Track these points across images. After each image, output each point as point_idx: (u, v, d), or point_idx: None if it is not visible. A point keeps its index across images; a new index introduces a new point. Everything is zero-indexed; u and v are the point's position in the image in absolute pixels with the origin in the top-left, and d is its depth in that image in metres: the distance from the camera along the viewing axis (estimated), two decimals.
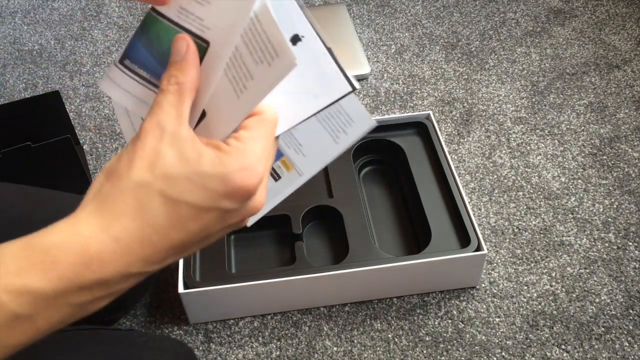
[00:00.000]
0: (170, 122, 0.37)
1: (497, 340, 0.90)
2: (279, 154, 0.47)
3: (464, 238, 0.93)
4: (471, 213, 0.94)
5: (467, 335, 0.91)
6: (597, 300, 0.95)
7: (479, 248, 0.91)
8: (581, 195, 1.10)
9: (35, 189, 0.79)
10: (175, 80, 0.38)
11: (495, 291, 0.96)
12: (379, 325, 0.93)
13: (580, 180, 1.13)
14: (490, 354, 0.89)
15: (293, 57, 0.36)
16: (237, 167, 0.37)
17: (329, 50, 0.41)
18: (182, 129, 0.37)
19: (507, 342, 0.90)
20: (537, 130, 1.22)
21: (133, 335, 0.72)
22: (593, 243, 1.03)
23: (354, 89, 0.41)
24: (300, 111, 0.42)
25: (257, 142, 0.39)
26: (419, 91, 1.32)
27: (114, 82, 0.44)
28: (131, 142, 0.38)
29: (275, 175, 0.48)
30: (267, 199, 0.42)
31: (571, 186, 1.12)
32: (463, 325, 0.92)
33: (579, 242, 1.03)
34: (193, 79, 0.39)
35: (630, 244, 1.02)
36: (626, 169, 1.14)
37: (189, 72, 0.39)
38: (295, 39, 0.41)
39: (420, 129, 1.10)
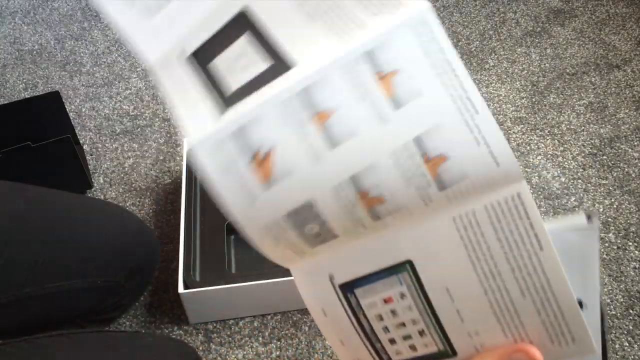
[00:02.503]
0: None
1: None
2: None
3: None
4: None
5: None
6: None
7: None
8: (581, 195, 1.10)
9: (33, 186, 0.79)
10: None
11: None
12: None
13: (580, 180, 1.13)
14: None
15: (593, 347, 0.33)
16: None
17: (603, 321, 0.37)
18: None
19: None
20: (537, 130, 1.22)
21: (138, 337, 0.72)
22: None
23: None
24: None
25: None
26: None
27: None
28: None
29: None
30: None
31: (571, 186, 1.12)
32: None
33: None
34: None
35: (630, 244, 1.02)
36: (626, 169, 1.14)
37: None
38: (579, 305, 0.36)
39: None
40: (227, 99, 0.30)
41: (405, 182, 0.30)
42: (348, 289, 0.34)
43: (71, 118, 1.15)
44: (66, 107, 1.11)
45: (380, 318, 0.34)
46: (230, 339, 0.93)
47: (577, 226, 0.36)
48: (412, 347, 0.34)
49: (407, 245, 0.32)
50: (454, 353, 0.34)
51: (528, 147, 1.19)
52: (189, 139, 0.30)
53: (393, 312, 0.33)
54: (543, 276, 0.31)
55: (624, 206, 1.08)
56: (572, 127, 1.23)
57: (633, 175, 1.13)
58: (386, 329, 0.34)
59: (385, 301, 0.33)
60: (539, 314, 0.32)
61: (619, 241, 1.03)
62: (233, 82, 0.30)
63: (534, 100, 1.29)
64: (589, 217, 0.36)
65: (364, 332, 0.35)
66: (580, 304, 0.37)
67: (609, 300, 0.95)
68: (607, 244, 1.02)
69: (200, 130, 0.30)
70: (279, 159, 0.29)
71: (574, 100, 1.28)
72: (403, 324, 0.34)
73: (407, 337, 0.34)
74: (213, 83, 0.30)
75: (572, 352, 0.33)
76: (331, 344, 0.36)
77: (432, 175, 0.30)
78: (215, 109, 0.30)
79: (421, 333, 0.34)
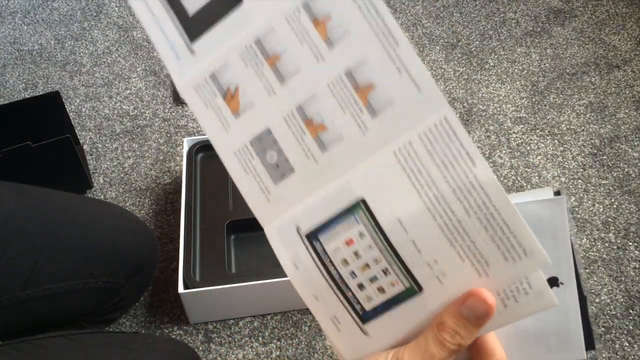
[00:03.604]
0: None
1: None
2: None
3: None
4: None
5: None
6: (597, 300, 0.95)
7: None
8: (581, 195, 1.10)
9: (33, 187, 0.79)
10: (459, 341, 0.35)
11: None
12: None
13: (580, 180, 1.13)
14: None
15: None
16: None
17: (583, 304, 0.38)
18: None
19: None
20: (537, 130, 1.22)
21: (138, 338, 0.72)
22: (593, 243, 1.03)
23: (592, 348, 0.38)
24: (524, 357, 0.39)
25: None
26: None
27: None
28: None
29: None
30: None
31: (571, 186, 1.12)
32: None
33: (579, 242, 1.03)
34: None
35: (630, 244, 1.02)
36: (626, 169, 1.14)
37: (474, 337, 0.35)
38: (553, 282, 0.38)
39: None
40: (190, 32, 0.37)
41: (341, 110, 0.35)
42: (313, 236, 0.37)
43: (71, 118, 1.15)
44: (66, 107, 1.11)
45: (346, 262, 0.37)
46: (230, 339, 0.93)
47: (544, 199, 0.37)
48: (380, 290, 0.36)
49: (358, 184, 0.36)
50: (420, 288, 0.36)
51: (528, 147, 1.19)
52: (177, 84, 0.38)
53: (356, 254, 0.36)
54: (481, 191, 0.34)
55: (624, 206, 1.08)
56: (572, 127, 1.23)
57: (633, 175, 1.13)
58: (353, 274, 0.37)
59: (347, 243, 0.37)
60: (486, 230, 0.34)
61: (619, 241, 1.03)
62: (190, 5, 0.37)
63: (534, 100, 1.29)
64: (557, 192, 0.37)
65: (333, 281, 0.37)
66: (556, 281, 0.38)
67: (608, 301, 0.95)
68: (607, 244, 1.02)
69: (183, 76, 0.37)
70: (244, 94, 0.37)
71: (574, 100, 1.28)
72: (367, 265, 0.36)
73: (373, 279, 0.36)
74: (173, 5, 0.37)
75: (529, 267, 0.34)
76: (307, 303, 0.38)
77: (363, 102, 0.35)
78: (185, 46, 0.37)
79: (385, 272, 0.36)
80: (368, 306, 0.37)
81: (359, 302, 0.37)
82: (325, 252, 0.37)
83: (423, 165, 0.34)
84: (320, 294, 0.38)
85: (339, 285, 0.37)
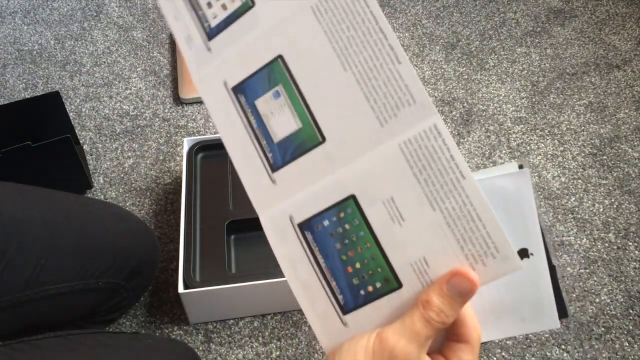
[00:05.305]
0: (421, 357, 0.36)
1: (497, 340, 0.90)
2: None
3: None
4: None
5: None
6: (597, 300, 0.95)
7: None
8: (581, 195, 1.10)
9: (33, 187, 0.79)
10: (444, 319, 0.36)
11: None
12: None
13: (580, 180, 1.13)
14: (490, 354, 0.89)
15: (520, 263, 0.35)
16: None
17: (553, 273, 0.40)
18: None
19: (507, 342, 0.90)
20: (537, 130, 1.22)
21: (138, 338, 0.72)
22: (593, 243, 1.03)
23: (565, 316, 0.40)
24: (500, 329, 0.40)
25: None
26: None
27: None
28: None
29: None
30: None
31: (571, 186, 1.12)
32: None
33: (579, 242, 1.03)
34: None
35: (630, 244, 1.02)
36: (626, 169, 1.14)
37: (457, 314, 0.37)
38: (523, 254, 0.39)
39: None
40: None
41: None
42: None
43: (71, 118, 1.15)
44: (66, 107, 1.11)
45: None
46: (230, 339, 0.93)
47: (508, 172, 0.39)
48: (223, 7, 0.40)
49: None
50: (253, 3, 0.39)
51: (528, 147, 1.19)
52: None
53: None
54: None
55: (624, 206, 1.08)
56: (572, 127, 1.23)
57: (633, 175, 1.13)
58: None
59: None
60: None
61: (619, 241, 1.03)
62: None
63: (534, 100, 1.29)
64: (520, 166, 0.39)
65: None
66: (526, 252, 0.39)
67: (608, 301, 0.95)
68: (607, 244, 1.02)
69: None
70: None
71: (574, 100, 1.28)
72: None
73: None
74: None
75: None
76: (166, 16, 0.41)
77: None
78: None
79: None
80: (214, 22, 0.40)
81: (207, 20, 0.40)
82: None
83: None
84: (180, 15, 0.40)
85: (193, 5, 0.40)
